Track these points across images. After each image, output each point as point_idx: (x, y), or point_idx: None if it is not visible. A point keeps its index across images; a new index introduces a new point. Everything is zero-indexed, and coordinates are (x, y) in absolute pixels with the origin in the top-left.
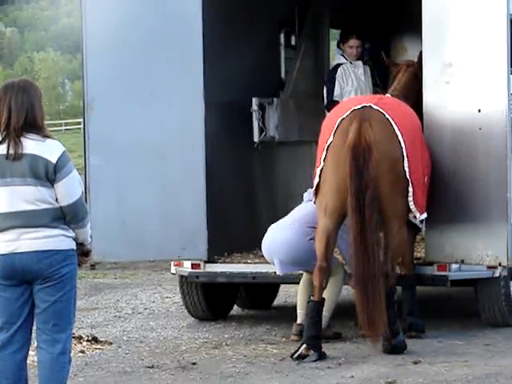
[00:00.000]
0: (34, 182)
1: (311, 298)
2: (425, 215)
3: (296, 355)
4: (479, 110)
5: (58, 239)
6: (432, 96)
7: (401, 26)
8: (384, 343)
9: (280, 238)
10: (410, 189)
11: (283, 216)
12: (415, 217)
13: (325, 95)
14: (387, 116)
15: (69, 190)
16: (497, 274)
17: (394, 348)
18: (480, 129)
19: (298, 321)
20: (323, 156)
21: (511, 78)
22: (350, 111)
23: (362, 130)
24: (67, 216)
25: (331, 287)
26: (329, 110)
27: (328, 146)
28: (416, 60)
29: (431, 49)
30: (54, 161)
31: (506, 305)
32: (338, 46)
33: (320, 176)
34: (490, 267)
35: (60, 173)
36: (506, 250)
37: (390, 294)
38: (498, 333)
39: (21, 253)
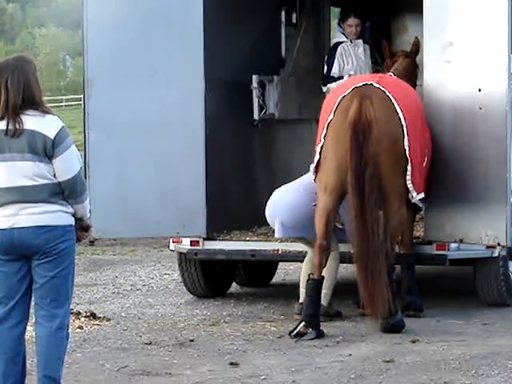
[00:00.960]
0: (33, 157)
1: (310, 276)
2: (421, 195)
3: (294, 333)
4: (479, 90)
5: (56, 215)
6: (433, 75)
7: (402, 5)
8: (382, 322)
9: (284, 200)
10: (409, 167)
11: None
12: (412, 196)
13: (324, 72)
14: (388, 94)
15: (67, 165)
16: (496, 254)
17: (392, 327)
18: (480, 108)
19: (301, 300)
20: (323, 133)
21: (511, 58)
22: (351, 89)
23: (362, 108)
24: (65, 191)
25: (330, 264)
26: (324, 85)
27: (328, 124)
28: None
29: (432, 28)
30: (52, 136)
31: (504, 284)
32: (339, 25)
33: (320, 153)
34: (488, 247)
35: (58, 148)
36: (505, 229)
37: (388, 272)
38: (497, 312)
39: (19, 228)
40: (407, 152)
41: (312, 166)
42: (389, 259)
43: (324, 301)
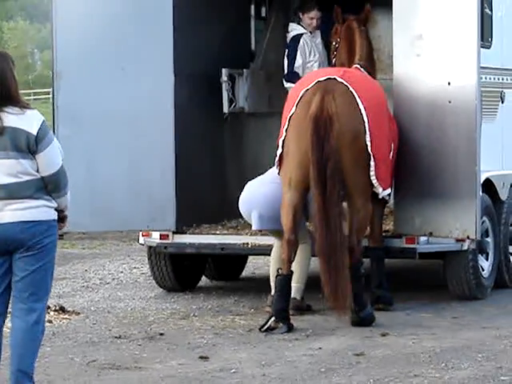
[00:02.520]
0: (16, 155)
1: (279, 271)
2: (388, 191)
3: (264, 328)
4: (449, 83)
5: (40, 210)
6: (402, 68)
7: None
8: (352, 315)
9: (261, 192)
10: (372, 163)
11: None
12: (378, 192)
13: (285, 66)
14: (351, 89)
15: (50, 159)
16: (465, 247)
17: (362, 320)
18: (450, 102)
19: (272, 292)
20: (285, 127)
21: (481, 52)
22: (314, 83)
23: (324, 102)
24: (49, 186)
25: (301, 257)
26: (287, 81)
27: (290, 117)
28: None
29: (401, 21)
30: (34, 132)
31: (473, 278)
32: (295, 14)
33: (283, 147)
34: (458, 240)
35: (41, 144)
36: (474, 222)
37: (356, 267)
38: (466, 306)
39: (4, 223)
40: (369, 147)
41: (276, 160)
42: (355, 254)
43: (297, 294)
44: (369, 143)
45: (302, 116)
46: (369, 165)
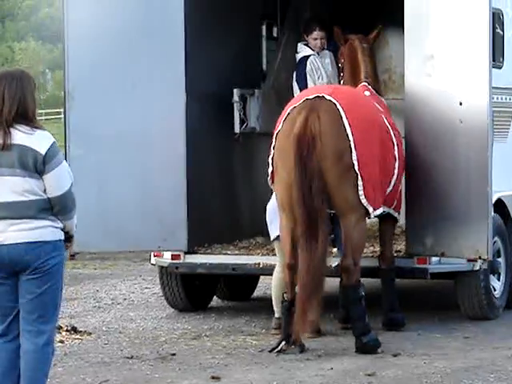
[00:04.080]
0: (23, 173)
1: (285, 297)
2: (380, 211)
3: (276, 351)
4: (460, 103)
5: (45, 230)
6: (414, 88)
7: (383, 18)
8: (356, 340)
9: None
10: (360, 182)
11: (263, 207)
12: (369, 212)
13: (295, 91)
14: (338, 106)
15: (58, 181)
16: (477, 267)
17: (365, 346)
18: (461, 122)
19: (276, 315)
20: (273, 144)
21: (493, 72)
22: (302, 100)
23: (308, 121)
24: (55, 207)
25: None
26: None
27: (277, 134)
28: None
29: (413, 41)
30: (43, 152)
31: (485, 298)
32: (302, 36)
33: (272, 165)
34: (470, 260)
35: (49, 164)
36: (486, 243)
37: (354, 289)
38: (478, 326)
39: (8, 244)
40: (356, 166)
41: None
42: (352, 275)
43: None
44: (355, 162)
45: (286, 134)
46: (357, 183)
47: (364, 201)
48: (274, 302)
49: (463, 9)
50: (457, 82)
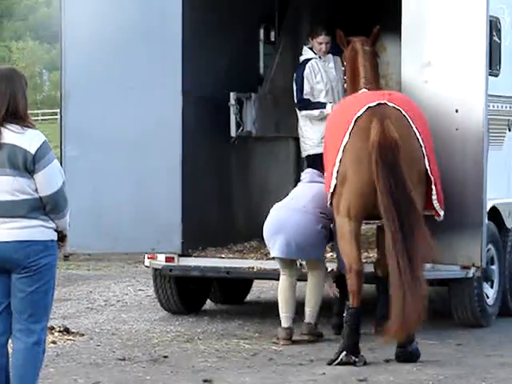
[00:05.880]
0: (13, 172)
1: (349, 305)
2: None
3: (335, 363)
4: (457, 111)
5: (36, 230)
6: (410, 95)
7: (380, 24)
8: (398, 350)
9: (295, 220)
10: (433, 187)
11: (258, 211)
12: (440, 215)
13: (294, 93)
14: (404, 113)
15: (49, 180)
16: (470, 275)
17: (410, 355)
18: (457, 129)
19: (285, 325)
20: (339, 157)
21: (489, 79)
22: (364, 108)
23: (385, 128)
24: (47, 206)
25: (315, 282)
26: (300, 109)
27: (345, 146)
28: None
29: (410, 48)
30: (32, 151)
31: (478, 305)
32: (307, 39)
33: (337, 178)
34: (463, 267)
35: (39, 163)
36: (479, 250)
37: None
38: (471, 333)
39: None
40: (429, 171)
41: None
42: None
43: (311, 319)
44: (428, 167)
45: (360, 145)
46: (431, 188)
47: (437, 205)
48: (281, 309)
49: (461, 16)
50: (453, 90)
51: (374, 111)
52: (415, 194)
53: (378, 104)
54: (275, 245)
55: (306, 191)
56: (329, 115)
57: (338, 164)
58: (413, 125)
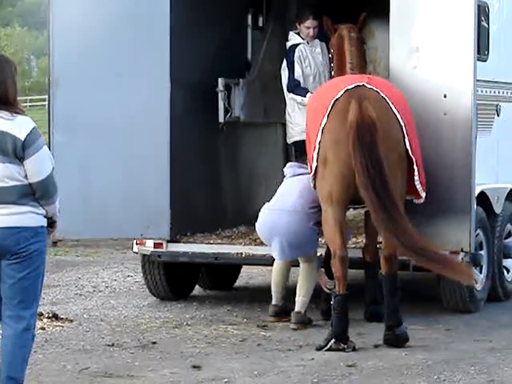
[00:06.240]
0: (3, 158)
1: (335, 291)
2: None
3: (325, 349)
4: (445, 96)
5: (25, 216)
6: (398, 80)
7: (368, 9)
8: (386, 333)
9: (284, 221)
10: (415, 167)
11: (247, 197)
12: (421, 197)
13: (283, 78)
14: (382, 95)
15: (38, 166)
16: (459, 260)
17: (398, 337)
18: (445, 114)
19: (274, 302)
20: (318, 139)
21: (477, 64)
22: (343, 91)
23: (363, 109)
24: (37, 192)
25: (307, 271)
26: (288, 90)
27: (323, 128)
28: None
29: (398, 33)
30: (22, 138)
31: (467, 291)
32: (294, 24)
33: (317, 160)
34: (452, 253)
35: (29, 149)
36: (468, 235)
37: (395, 278)
38: (459, 318)
39: None
40: (410, 152)
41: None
42: (393, 264)
43: (301, 308)
44: (409, 148)
45: (338, 126)
46: (408, 170)
47: (419, 186)
48: (273, 286)
49: (449, 1)
50: (441, 75)
51: (352, 93)
52: (393, 175)
53: (356, 86)
54: (271, 249)
55: (292, 187)
56: (308, 100)
57: (317, 146)
58: (392, 106)
